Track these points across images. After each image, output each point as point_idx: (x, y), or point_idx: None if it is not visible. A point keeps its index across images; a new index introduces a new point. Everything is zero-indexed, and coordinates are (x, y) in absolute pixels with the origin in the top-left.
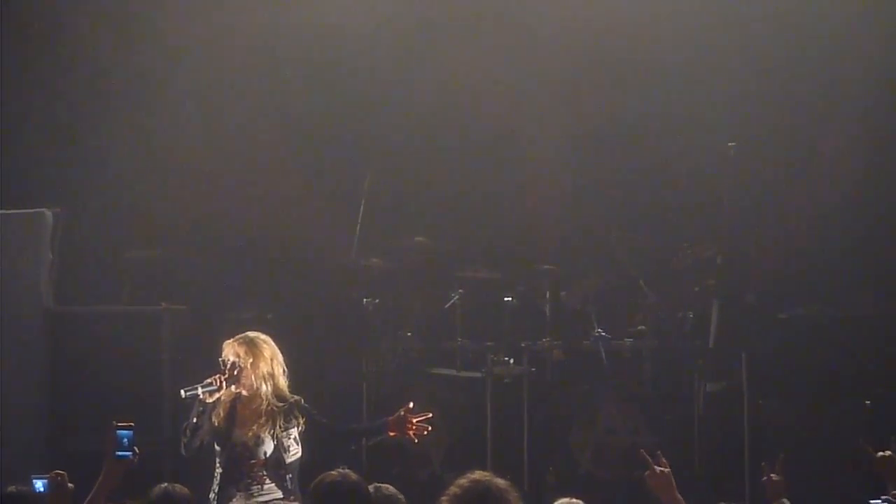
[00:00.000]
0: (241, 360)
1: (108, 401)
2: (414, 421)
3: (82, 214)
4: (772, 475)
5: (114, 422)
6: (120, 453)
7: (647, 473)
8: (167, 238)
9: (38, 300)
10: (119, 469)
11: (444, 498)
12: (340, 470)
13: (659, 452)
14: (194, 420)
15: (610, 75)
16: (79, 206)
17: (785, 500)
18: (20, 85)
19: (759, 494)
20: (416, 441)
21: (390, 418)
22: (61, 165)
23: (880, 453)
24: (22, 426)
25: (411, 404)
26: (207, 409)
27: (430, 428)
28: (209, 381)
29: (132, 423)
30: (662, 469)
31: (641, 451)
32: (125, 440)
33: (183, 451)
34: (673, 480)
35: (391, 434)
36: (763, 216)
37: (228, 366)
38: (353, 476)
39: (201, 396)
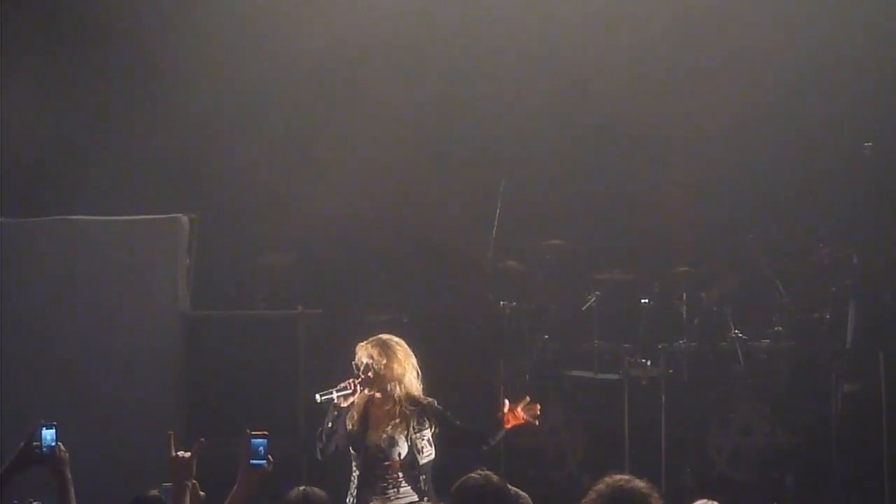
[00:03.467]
0: (375, 363)
1: (244, 405)
2: (519, 409)
3: (218, 219)
4: None
5: (248, 430)
6: (254, 462)
7: None
8: (303, 242)
9: (174, 305)
10: (254, 477)
11: (585, 501)
12: (482, 472)
13: None
14: (329, 425)
15: (744, 72)
16: (215, 211)
17: None
18: (158, 91)
19: None
20: (536, 424)
21: (499, 413)
22: (198, 171)
23: None
24: (158, 430)
25: (507, 402)
26: (342, 413)
27: (538, 408)
28: (344, 385)
29: (266, 432)
30: None
31: None
32: (260, 448)
33: (318, 456)
34: None
35: (507, 427)
36: None
37: (362, 368)
38: (495, 478)
39: (336, 401)
